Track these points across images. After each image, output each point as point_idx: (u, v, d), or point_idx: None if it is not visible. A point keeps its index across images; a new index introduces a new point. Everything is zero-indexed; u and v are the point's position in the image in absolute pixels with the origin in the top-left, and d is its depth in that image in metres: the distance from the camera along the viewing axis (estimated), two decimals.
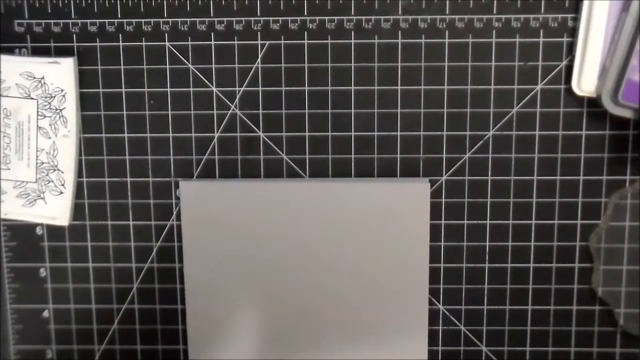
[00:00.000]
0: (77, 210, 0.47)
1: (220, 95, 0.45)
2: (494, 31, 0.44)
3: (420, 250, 0.45)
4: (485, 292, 0.46)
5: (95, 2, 0.44)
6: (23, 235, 0.47)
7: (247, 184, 0.45)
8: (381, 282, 0.45)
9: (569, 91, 0.44)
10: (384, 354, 0.46)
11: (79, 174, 0.46)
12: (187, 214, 0.45)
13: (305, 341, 0.46)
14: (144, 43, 0.45)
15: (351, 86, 0.45)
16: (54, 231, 0.47)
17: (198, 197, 0.45)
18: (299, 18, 0.44)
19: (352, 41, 0.44)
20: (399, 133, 0.45)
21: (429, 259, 0.45)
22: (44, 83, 0.44)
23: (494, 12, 0.44)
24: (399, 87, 0.45)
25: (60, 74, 0.44)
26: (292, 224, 0.45)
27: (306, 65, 0.45)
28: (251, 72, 0.45)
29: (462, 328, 0.47)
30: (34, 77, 0.44)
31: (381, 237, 0.45)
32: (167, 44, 0.45)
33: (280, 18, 0.44)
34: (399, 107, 0.45)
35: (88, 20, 0.45)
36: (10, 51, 0.45)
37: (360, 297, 0.46)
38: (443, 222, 0.46)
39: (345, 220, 0.45)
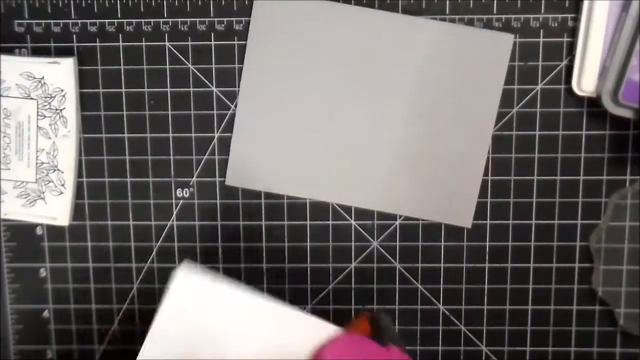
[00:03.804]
0: (77, 210, 0.47)
1: (220, 95, 0.45)
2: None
3: (492, 96, 0.44)
4: (485, 292, 0.46)
5: (95, 2, 0.44)
6: (23, 235, 0.47)
7: (321, 4, 0.43)
8: (445, 125, 0.44)
9: (569, 91, 0.44)
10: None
11: (79, 174, 0.46)
12: (257, 31, 0.43)
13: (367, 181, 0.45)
14: (144, 43, 0.45)
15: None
16: (54, 231, 0.47)
17: (272, 15, 0.43)
18: None
19: None
20: None
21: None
22: (44, 83, 0.44)
23: (494, 12, 0.44)
24: None
25: (60, 74, 0.44)
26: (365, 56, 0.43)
27: None
28: None
29: (462, 328, 0.47)
30: (34, 77, 0.44)
31: (454, 82, 0.44)
32: (167, 44, 0.45)
33: None
34: None
35: (88, 20, 0.45)
36: (10, 51, 0.45)
37: (418, 140, 0.44)
38: (443, 222, 0.46)
39: (420, 59, 0.43)
